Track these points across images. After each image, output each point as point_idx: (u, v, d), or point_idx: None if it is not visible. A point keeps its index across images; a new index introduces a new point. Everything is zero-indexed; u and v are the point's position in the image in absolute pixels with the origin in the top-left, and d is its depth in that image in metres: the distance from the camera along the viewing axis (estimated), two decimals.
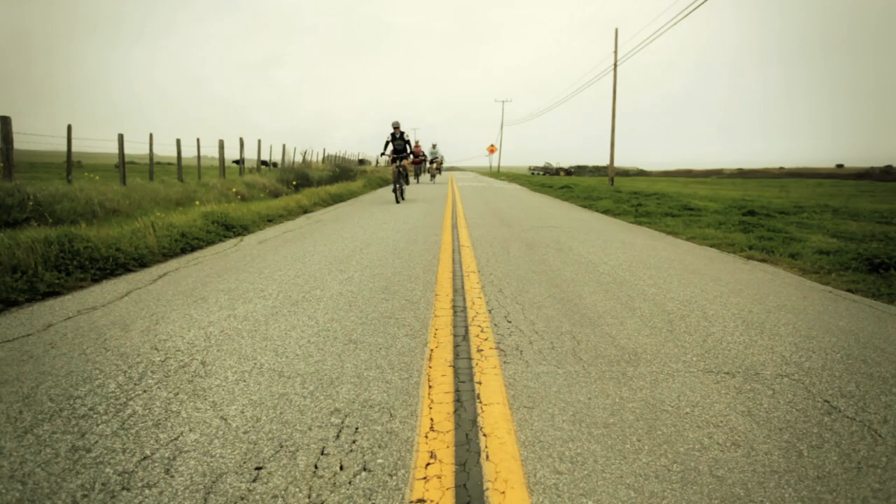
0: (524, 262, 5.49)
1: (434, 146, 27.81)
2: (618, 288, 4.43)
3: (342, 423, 2.08)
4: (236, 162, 17.76)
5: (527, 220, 9.80)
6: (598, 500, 1.63)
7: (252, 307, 3.69)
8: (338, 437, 1.98)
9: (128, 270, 4.88)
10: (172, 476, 1.71)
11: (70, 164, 10.08)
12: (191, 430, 2.00)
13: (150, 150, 12.80)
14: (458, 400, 2.30)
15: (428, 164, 26.93)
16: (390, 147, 14.47)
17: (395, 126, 14.54)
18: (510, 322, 3.44)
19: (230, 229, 7.47)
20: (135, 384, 2.40)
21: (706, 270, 5.33)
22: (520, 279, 4.70)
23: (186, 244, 6.11)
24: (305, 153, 24.35)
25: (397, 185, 14.16)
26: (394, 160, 14.55)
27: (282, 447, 1.90)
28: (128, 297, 3.95)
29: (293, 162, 22.43)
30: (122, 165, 11.46)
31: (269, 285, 4.34)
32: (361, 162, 41.43)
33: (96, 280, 4.48)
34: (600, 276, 4.87)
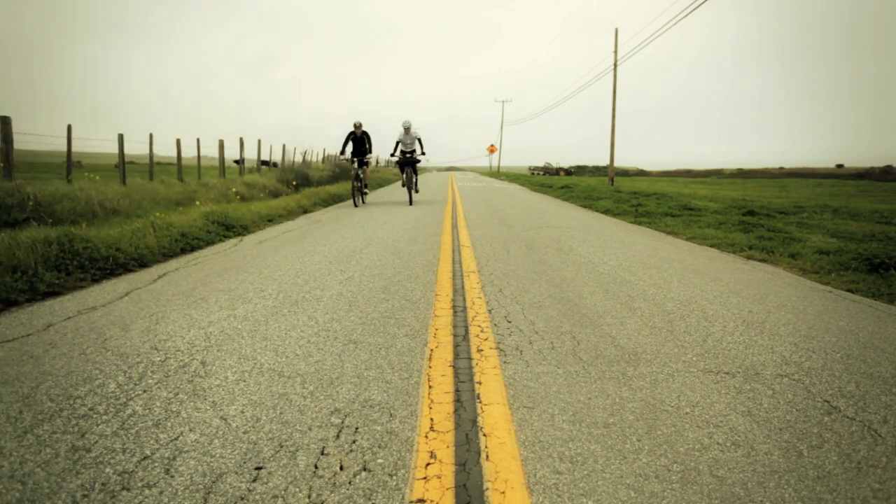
0: (524, 262, 5.49)
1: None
2: (618, 288, 4.43)
3: (342, 423, 2.08)
4: (237, 162, 17.76)
5: (527, 220, 9.80)
6: (598, 500, 1.63)
7: (252, 307, 3.69)
8: (338, 437, 1.98)
9: (128, 270, 4.88)
10: (172, 476, 1.71)
11: (70, 164, 10.08)
12: (191, 430, 2.00)
13: (150, 150, 12.80)
14: (458, 400, 2.30)
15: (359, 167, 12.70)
16: (350, 147, 12.71)
17: (357, 126, 12.46)
18: (510, 322, 3.44)
19: (230, 229, 7.47)
20: (135, 384, 2.40)
21: (706, 270, 5.33)
22: (520, 279, 4.70)
23: (186, 244, 6.11)
24: (305, 153, 24.36)
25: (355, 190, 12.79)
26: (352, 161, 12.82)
27: (282, 447, 1.90)
28: (128, 297, 3.95)
29: (293, 162, 22.42)
30: (122, 165, 11.45)
31: (269, 285, 4.34)
32: None
33: (96, 280, 4.48)
34: (600, 276, 4.87)
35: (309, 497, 1.62)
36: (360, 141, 12.64)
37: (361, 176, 12.88)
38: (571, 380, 2.53)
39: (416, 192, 13.83)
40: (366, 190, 13.54)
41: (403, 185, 13.92)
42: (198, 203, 10.09)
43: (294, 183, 16.84)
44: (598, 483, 1.72)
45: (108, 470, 1.74)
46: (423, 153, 13.36)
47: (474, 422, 2.10)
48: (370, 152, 12.75)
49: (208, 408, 2.19)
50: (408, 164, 13.37)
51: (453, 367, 2.67)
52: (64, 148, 9.96)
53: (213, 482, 1.69)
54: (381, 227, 8.37)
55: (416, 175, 13.77)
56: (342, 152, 12.74)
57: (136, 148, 12.71)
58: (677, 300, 4.07)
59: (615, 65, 26.34)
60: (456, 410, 2.20)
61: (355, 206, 12.45)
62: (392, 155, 13.35)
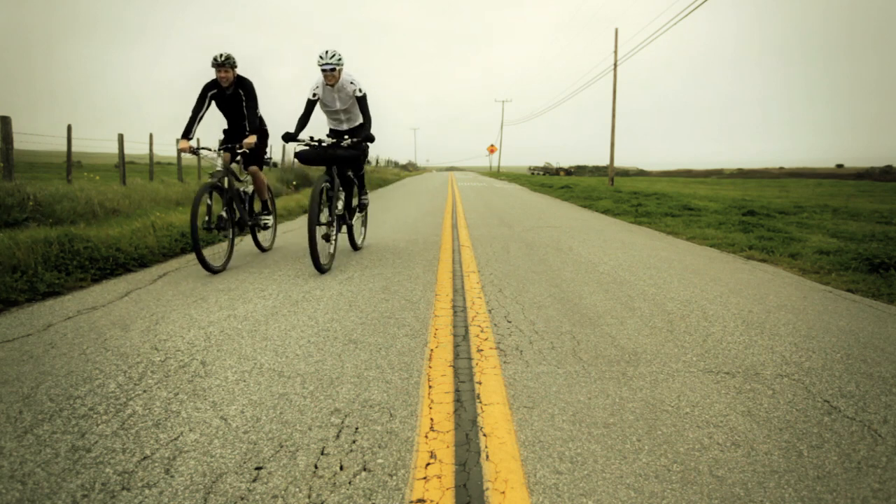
0: (524, 262, 5.49)
1: None
2: (618, 288, 4.43)
3: (342, 422, 2.08)
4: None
5: (527, 220, 9.80)
6: (598, 500, 1.63)
7: (252, 307, 3.69)
8: (338, 436, 1.98)
9: (128, 270, 4.87)
10: (172, 476, 1.71)
11: (70, 164, 10.08)
12: (191, 430, 2.00)
13: (150, 149, 12.80)
14: (458, 400, 2.30)
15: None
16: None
17: (220, 63, 5.24)
18: (510, 322, 3.44)
19: None
20: (135, 384, 2.40)
21: (706, 270, 5.33)
22: (520, 279, 4.70)
23: (186, 244, 6.11)
24: None
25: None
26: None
27: (282, 447, 1.90)
28: (128, 297, 3.95)
29: (293, 162, 22.41)
30: (122, 165, 11.46)
31: (269, 285, 4.34)
32: None
33: (96, 280, 4.48)
34: (600, 276, 4.87)
35: (309, 497, 1.62)
36: (231, 104, 5.55)
37: (243, 188, 5.61)
38: (571, 380, 2.53)
39: (359, 247, 6.16)
40: (265, 220, 5.86)
41: (319, 226, 4.80)
42: None
43: (294, 183, 16.84)
44: (598, 483, 1.72)
45: (108, 470, 1.74)
46: (368, 139, 5.36)
47: (474, 422, 2.10)
48: (257, 128, 5.62)
49: (208, 408, 2.19)
50: (332, 160, 5.30)
51: (453, 367, 2.67)
52: (64, 148, 9.97)
53: (213, 482, 1.69)
54: (380, 227, 8.37)
55: (362, 191, 6.07)
56: (186, 134, 5.18)
57: (136, 148, 12.71)
58: (677, 300, 4.07)
59: (615, 65, 26.35)
60: (456, 410, 2.20)
61: (208, 268, 4.71)
62: (290, 136, 5.32)
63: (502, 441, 1.95)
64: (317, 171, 20.27)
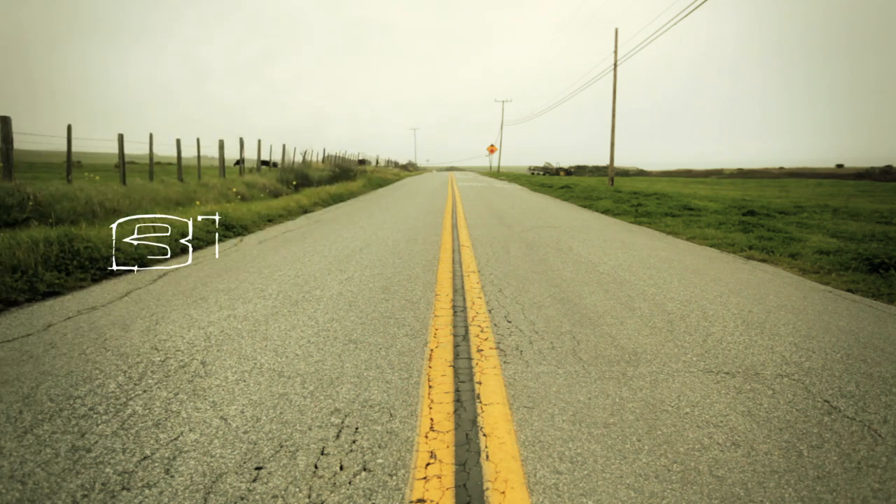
0: (524, 262, 5.49)
1: None
2: (618, 288, 4.43)
3: (342, 423, 2.08)
4: (238, 163, 17.78)
5: (527, 220, 9.79)
6: (598, 500, 1.63)
7: (252, 307, 3.69)
8: (338, 437, 1.98)
9: (128, 270, 4.87)
10: (172, 476, 1.71)
11: (70, 164, 10.07)
12: (191, 430, 2.00)
13: (150, 149, 12.79)
14: (458, 400, 2.30)
15: None
16: None
17: None
18: (510, 322, 3.43)
19: (230, 229, 7.47)
20: (135, 384, 2.40)
21: (706, 270, 5.33)
22: (520, 279, 4.70)
23: (187, 244, 6.10)
24: (305, 153, 24.34)
25: None
26: None
27: (282, 447, 1.90)
28: (128, 297, 3.95)
29: (293, 162, 22.40)
30: (122, 165, 11.45)
31: (269, 285, 4.34)
32: (361, 162, 41.57)
33: (96, 280, 4.48)
34: (600, 276, 4.87)
35: (309, 497, 1.62)
36: None
37: None
38: (571, 380, 2.53)
39: None
40: None
41: None
42: (198, 203, 10.09)
43: (294, 183, 16.84)
44: (598, 483, 1.72)
45: (108, 470, 1.74)
46: None
47: (474, 422, 2.10)
48: None
49: (208, 408, 2.19)
50: None
51: (453, 367, 2.67)
52: (64, 148, 9.96)
53: (213, 482, 1.68)
54: (381, 227, 8.37)
55: None
56: None
57: (136, 148, 12.69)
58: (677, 300, 4.07)
59: (615, 65, 26.35)
60: (456, 410, 2.20)
61: None
62: None
63: (502, 441, 1.95)
64: (317, 173, 20.17)
